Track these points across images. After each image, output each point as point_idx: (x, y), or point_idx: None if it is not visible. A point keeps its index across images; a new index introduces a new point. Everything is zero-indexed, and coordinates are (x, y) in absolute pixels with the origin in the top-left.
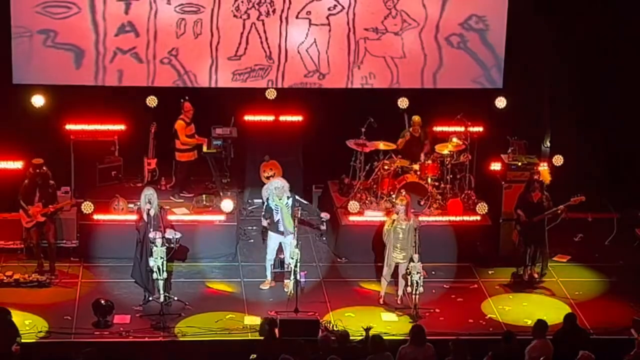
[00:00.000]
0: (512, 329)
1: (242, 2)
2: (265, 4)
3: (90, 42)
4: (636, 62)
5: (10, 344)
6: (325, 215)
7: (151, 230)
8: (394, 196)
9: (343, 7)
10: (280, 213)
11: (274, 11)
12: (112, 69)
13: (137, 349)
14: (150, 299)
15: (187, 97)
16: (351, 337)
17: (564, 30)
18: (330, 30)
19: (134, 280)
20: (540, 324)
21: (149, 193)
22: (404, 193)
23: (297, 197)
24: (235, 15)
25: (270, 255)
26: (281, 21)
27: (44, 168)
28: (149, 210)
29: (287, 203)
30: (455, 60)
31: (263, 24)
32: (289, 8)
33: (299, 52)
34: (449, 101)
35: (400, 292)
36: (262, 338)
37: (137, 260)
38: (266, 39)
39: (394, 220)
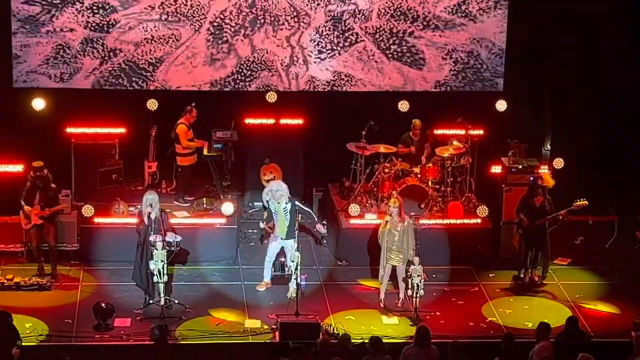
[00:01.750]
0: (512, 332)
1: (231, 16)
2: (266, 24)
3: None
4: (637, 65)
5: (11, 347)
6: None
7: (152, 233)
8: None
9: (357, 8)
10: (276, 217)
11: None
12: (105, 74)
13: (137, 352)
14: (151, 302)
15: (194, 104)
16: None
17: (564, 32)
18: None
19: (134, 282)
20: (544, 326)
21: (151, 197)
22: (395, 195)
23: (297, 202)
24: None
25: (269, 256)
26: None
27: (45, 171)
28: (150, 213)
29: (284, 207)
30: (456, 64)
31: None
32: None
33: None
34: (449, 104)
35: (401, 295)
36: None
37: (138, 263)
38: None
39: (387, 222)
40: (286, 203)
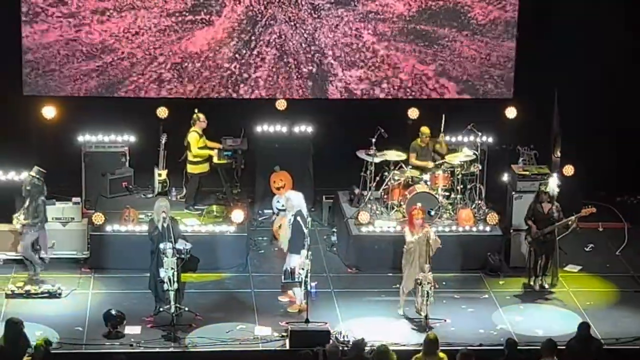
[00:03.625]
0: (523, 340)
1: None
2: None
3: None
4: None
5: (22, 355)
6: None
7: (164, 241)
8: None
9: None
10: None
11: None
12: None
13: (148, 359)
14: (161, 309)
15: (196, 110)
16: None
17: (573, 40)
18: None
19: (150, 291)
20: (551, 343)
21: (163, 204)
22: (419, 205)
23: (297, 220)
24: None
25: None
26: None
27: (36, 177)
28: (162, 221)
29: (289, 219)
30: (466, 70)
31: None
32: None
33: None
34: (459, 111)
35: (418, 302)
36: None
37: (153, 271)
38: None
39: (420, 236)
40: (292, 215)
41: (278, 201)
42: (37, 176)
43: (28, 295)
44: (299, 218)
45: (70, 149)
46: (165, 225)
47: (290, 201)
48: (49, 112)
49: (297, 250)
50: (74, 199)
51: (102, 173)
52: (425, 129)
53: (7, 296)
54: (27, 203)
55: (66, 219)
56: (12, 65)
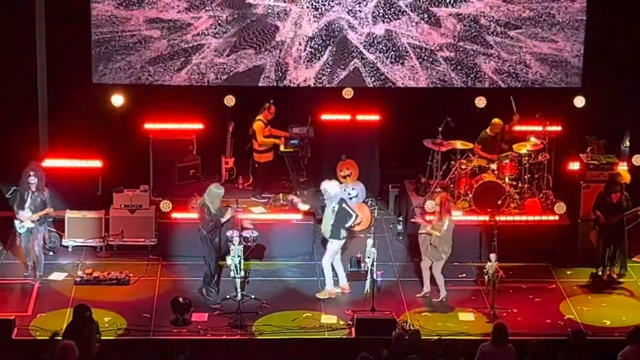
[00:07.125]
0: (590, 330)
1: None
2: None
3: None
4: None
5: (92, 340)
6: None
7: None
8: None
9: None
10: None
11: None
12: (189, 68)
13: (214, 346)
14: (227, 297)
15: (272, 101)
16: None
17: None
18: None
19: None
20: (637, 329)
21: (221, 192)
22: (441, 192)
23: (345, 205)
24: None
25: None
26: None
27: (32, 173)
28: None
29: (333, 208)
30: (534, 59)
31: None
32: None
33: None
34: (527, 100)
35: (425, 290)
36: None
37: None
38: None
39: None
40: (335, 204)
41: (344, 190)
42: (37, 170)
43: (96, 281)
44: (345, 205)
45: (138, 136)
46: (213, 212)
47: (327, 193)
48: (118, 100)
49: (337, 236)
50: (142, 187)
51: (170, 161)
52: (497, 120)
53: (76, 283)
54: (29, 199)
55: (134, 206)
56: (81, 54)
